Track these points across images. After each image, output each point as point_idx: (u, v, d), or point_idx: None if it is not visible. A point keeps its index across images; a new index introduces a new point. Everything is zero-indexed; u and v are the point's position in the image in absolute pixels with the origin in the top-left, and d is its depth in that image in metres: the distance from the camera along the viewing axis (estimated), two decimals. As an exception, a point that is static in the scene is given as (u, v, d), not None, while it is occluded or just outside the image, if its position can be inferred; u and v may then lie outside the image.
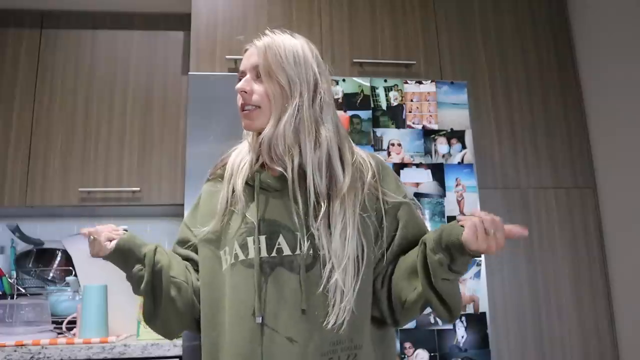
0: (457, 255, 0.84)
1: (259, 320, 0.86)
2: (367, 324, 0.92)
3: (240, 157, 1.00)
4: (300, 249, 0.89)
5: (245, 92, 0.96)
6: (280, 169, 0.93)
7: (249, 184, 0.96)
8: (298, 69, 0.95)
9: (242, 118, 0.98)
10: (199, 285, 0.98)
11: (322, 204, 0.90)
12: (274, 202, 0.94)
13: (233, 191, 0.96)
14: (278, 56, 0.95)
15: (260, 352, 0.85)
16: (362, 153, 1.01)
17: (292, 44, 0.98)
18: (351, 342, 0.88)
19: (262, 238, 0.91)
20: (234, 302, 0.89)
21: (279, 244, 0.90)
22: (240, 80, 0.98)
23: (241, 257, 0.91)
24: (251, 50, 0.99)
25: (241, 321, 0.87)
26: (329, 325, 0.84)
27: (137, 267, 0.95)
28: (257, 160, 0.97)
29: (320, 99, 0.96)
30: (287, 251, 0.89)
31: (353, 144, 1.01)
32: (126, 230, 0.99)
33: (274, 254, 0.90)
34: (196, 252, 1.01)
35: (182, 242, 1.05)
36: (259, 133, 0.96)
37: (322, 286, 0.86)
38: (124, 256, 0.95)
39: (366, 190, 0.95)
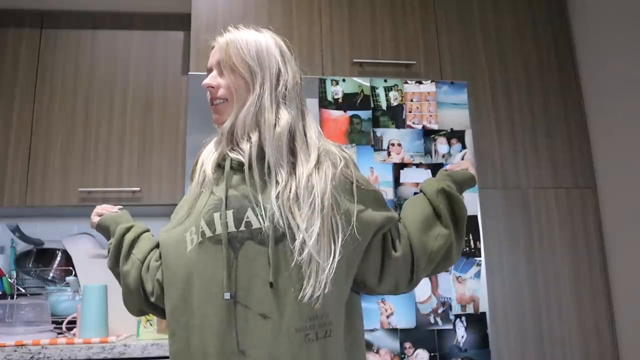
0: (466, 189, 1.09)
1: (227, 296, 0.83)
2: (343, 301, 0.90)
3: (211, 149, 1.02)
4: (270, 220, 0.86)
5: (212, 87, 0.98)
6: (240, 157, 0.94)
7: (220, 166, 0.97)
8: (260, 61, 0.97)
9: (212, 112, 1.01)
10: (156, 266, 0.99)
11: (281, 179, 0.89)
12: (243, 178, 0.93)
13: (205, 178, 0.97)
14: (239, 50, 0.97)
15: (234, 330, 0.83)
16: (333, 146, 1.01)
17: (254, 37, 1.00)
18: (327, 317, 0.86)
19: (230, 212, 0.89)
20: (203, 281, 0.87)
21: (247, 217, 0.88)
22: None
23: (208, 233, 0.89)
24: (215, 49, 1.02)
25: (212, 299, 0.85)
26: (305, 299, 0.82)
27: (109, 241, 1.07)
28: (225, 146, 0.99)
29: (284, 87, 0.97)
30: (256, 224, 0.87)
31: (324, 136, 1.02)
32: (121, 209, 1.13)
33: (242, 227, 0.87)
34: None
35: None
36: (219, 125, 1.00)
37: (293, 260, 0.84)
38: (104, 231, 1.10)
39: (338, 173, 0.94)
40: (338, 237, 0.87)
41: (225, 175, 0.94)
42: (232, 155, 0.96)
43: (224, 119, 0.98)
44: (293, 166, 0.92)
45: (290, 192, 0.88)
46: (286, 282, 0.84)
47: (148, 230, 1.08)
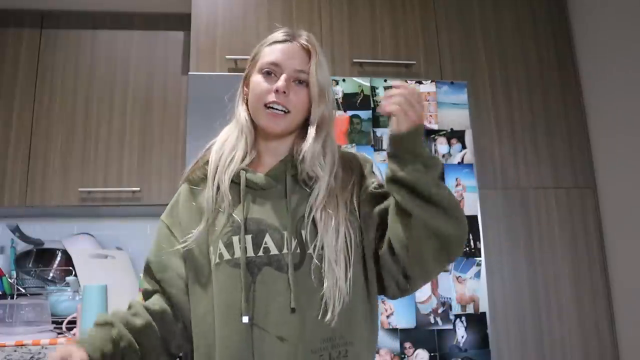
0: (397, 143, 0.86)
1: (245, 320, 0.85)
2: (358, 320, 0.90)
3: (223, 153, 0.98)
4: (288, 247, 0.88)
5: (284, 93, 0.93)
6: (257, 176, 0.94)
7: (234, 182, 0.95)
8: (326, 83, 0.97)
9: (264, 115, 0.94)
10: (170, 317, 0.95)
11: (318, 204, 0.91)
12: (260, 202, 0.93)
13: (217, 189, 0.94)
14: (326, 74, 0.97)
15: (251, 353, 0.85)
16: (348, 153, 1.04)
17: (327, 64, 0.99)
18: (342, 338, 0.87)
19: (248, 237, 0.90)
20: (221, 303, 0.89)
21: (265, 243, 0.89)
22: (269, 72, 0.95)
23: (226, 256, 0.90)
24: (293, 48, 0.96)
25: (230, 322, 0.87)
26: (326, 319, 0.84)
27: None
28: (245, 157, 0.97)
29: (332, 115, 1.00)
30: (274, 250, 0.89)
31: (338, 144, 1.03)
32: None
33: (260, 253, 0.89)
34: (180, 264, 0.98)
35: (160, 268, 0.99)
36: (270, 133, 0.96)
37: (310, 285, 0.86)
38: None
39: (350, 187, 0.96)
40: (351, 254, 0.89)
41: (242, 197, 0.93)
42: (249, 175, 0.95)
43: (279, 129, 0.95)
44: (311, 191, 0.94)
45: (309, 217, 0.90)
46: (304, 306, 0.86)
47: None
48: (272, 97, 0.93)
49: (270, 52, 0.96)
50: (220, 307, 0.89)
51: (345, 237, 0.89)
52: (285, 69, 0.94)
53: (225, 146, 0.98)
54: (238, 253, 0.89)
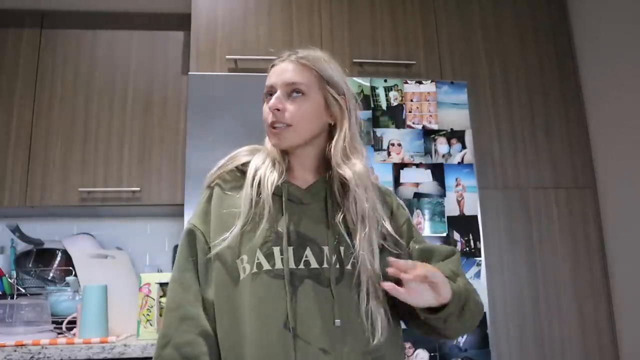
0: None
1: (289, 331, 0.86)
2: (391, 332, 0.94)
3: (265, 164, 0.99)
4: (328, 262, 0.91)
5: (278, 110, 0.95)
6: (299, 189, 0.97)
7: (275, 194, 0.96)
8: (337, 88, 0.98)
9: (270, 135, 0.98)
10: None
11: (360, 223, 0.93)
12: (299, 215, 0.95)
13: (257, 197, 0.94)
14: (318, 75, 0.97)
15: None
16: (375, 184, 1.05)
17: (327, 61, 1.00)
18: (380, 351, 0.90)
19: (290, 249, 0.91)
20: (260, 314, 0.88)
21: (306, 257, 0.91)
22: (270, 94, 0.98)
23: (266, 266, 0.90)
24: (284, 66, 0.98)
25: (271, 333, 0.86)
26: (373, 342, 0.87)
27: None
28: (282, 174, 0.98)
29: (355, 119, 1.00)
30: (314, 264, 0.91)
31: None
32: None
33: (301, 265, 0.91)
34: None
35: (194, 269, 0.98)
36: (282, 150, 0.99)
37: (358, 296, 0.90)
38: None
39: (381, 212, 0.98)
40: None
41: (284, 209, 0.95)
42: (291, 189, 0.97)
43: (284, 144, 0.97)
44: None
45: (363, 236, 0.92)
46: (345, 320, 0.89)
47: None
48: (271, 117, 0.96)
49: (268, 78, 1.00)
50: (260, 317, 0.87)
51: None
52: (278, 86, 0.97)
53: (266, 161, 1.00)
54: (279, 264, 0.90)
